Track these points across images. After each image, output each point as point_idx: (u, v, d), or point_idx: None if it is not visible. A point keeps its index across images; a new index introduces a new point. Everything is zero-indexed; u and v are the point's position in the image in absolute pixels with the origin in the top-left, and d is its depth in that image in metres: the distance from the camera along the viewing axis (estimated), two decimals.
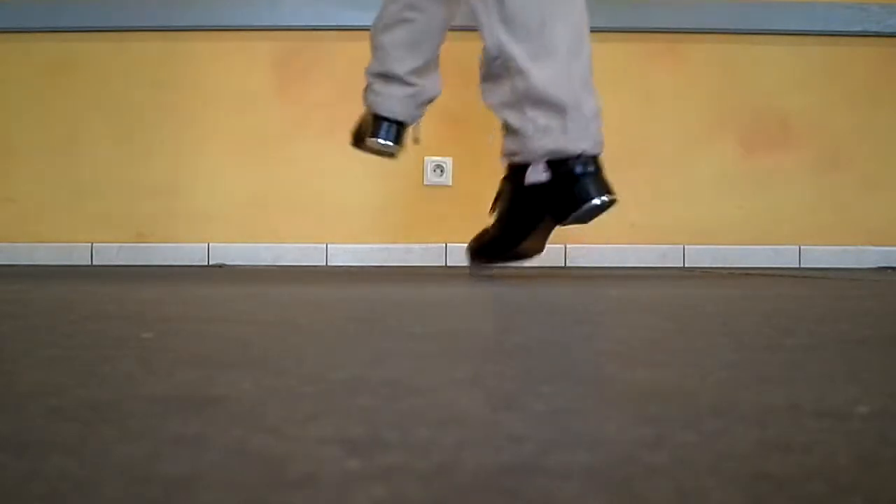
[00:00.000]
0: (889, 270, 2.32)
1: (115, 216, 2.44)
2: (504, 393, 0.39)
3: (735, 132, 2.49)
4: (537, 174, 1.53)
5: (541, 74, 1.52)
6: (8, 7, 2.40)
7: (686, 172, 2.49)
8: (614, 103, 2.50)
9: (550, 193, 1.53)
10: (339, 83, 2.42)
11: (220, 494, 0.24)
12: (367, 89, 1.80)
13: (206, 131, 2.45)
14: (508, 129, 1.57)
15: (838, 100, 2.50)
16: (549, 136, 1.51)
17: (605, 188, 1.53)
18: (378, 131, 1.80)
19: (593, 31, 2.62)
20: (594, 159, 1.53)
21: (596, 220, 2.57)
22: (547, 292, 1.18)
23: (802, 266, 2.49)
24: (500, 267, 1.74)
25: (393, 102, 1.79)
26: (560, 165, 1.52)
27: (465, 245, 1.76)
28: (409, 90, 1.78)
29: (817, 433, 0.32)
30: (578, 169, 1.52)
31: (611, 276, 1.83)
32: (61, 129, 2.43)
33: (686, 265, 2.48)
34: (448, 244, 2.45)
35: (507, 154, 1.59)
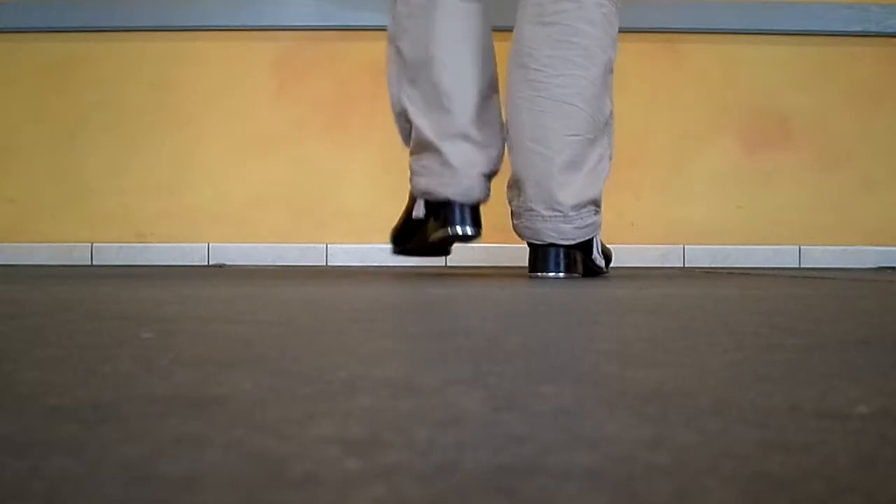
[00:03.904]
0: (889, 270, 2.32)
1: (115, 216, 2.44)
2: (504, 393, 0.39)
3: (735, 132, 2.49)
4: (418, 210, 1.64)
5: (426, 124, 1.57)
6: (8, 7, 2.41)
7: (686, 172, 2.49)
8: (614, 103, 2.50)
9: (423, 225, 1.65)
10: (339, 83, 2.42)
11: (220, 494, 0.24)
12: None
13: (206, 131, 2.45)
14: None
15: (838, 100, 2.50)
16: (425, 178, 1.59)
17: (471, 227, 1.58)
18: None
19: None
20: (462, 206, 1.58)
21: None
22: (547, 292, 1.18)
23: (802, 266, 2.49)
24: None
25: None
26: (434, 205, 1.60)
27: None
28: None
29: (817, 433, 0.32)
30: (448, 211, 1.58)
31: (611, 276, 1.83)
32: (61, 129, 2.44)
33: (686, 265, 2.48)
34: None
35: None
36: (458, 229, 1.56)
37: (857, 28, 2.48)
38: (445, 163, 1.56)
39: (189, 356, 0.51)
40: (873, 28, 2.48)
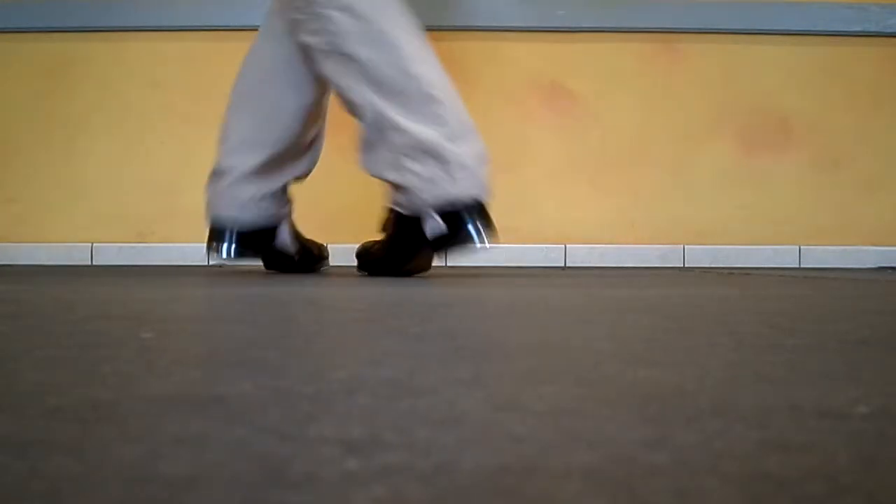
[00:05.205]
0: (889, 270, 2.32)
1: (115, 216, 2.44)
2: (504, 393, 0.39)
3: (735, 132, 2.49)
4: (437, 226, 1.50)
5: (418, 127, 1.49)
6: (8, 7, 2.41)
7: (686, 172, 2.49)
8: (614, 103, 2.50)
9: (443, 239, 1.51)
10: None
11: (221, 494, 0.24)
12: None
13: (206, 131, 2.45)
14: (394, 187, 1.55)
15: (838, 100, 2.50)
16: (438, 187, 1.48)
17: (489, 230, 1.50)
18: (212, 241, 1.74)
19: (594, 31, 2.61)
20: (480, 206, 1.50)
21: (595, 219, 2.56)
22: (547, 292, 1.18)
23: (802, 266, 2.49)
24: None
25: (224, 203, 1.72)
26: (451, 214, 1.49)
27: (357, 247, 1.78)
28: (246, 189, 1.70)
29: (817, 433, 0.32)
30: (466, 216, 1.49)
31: (611, 276, 1.83)
32: (61, 129, 2.43)
33: (686, 265, 2.48)
34: None
35: (395, 205, 1.57)
36: (476, 241, 1.48)
37: (857, 28, 2.48)
38: (459, 163, 1.48)
39: (189, 356, 0.51)
40: (873, 28, 2.48)
